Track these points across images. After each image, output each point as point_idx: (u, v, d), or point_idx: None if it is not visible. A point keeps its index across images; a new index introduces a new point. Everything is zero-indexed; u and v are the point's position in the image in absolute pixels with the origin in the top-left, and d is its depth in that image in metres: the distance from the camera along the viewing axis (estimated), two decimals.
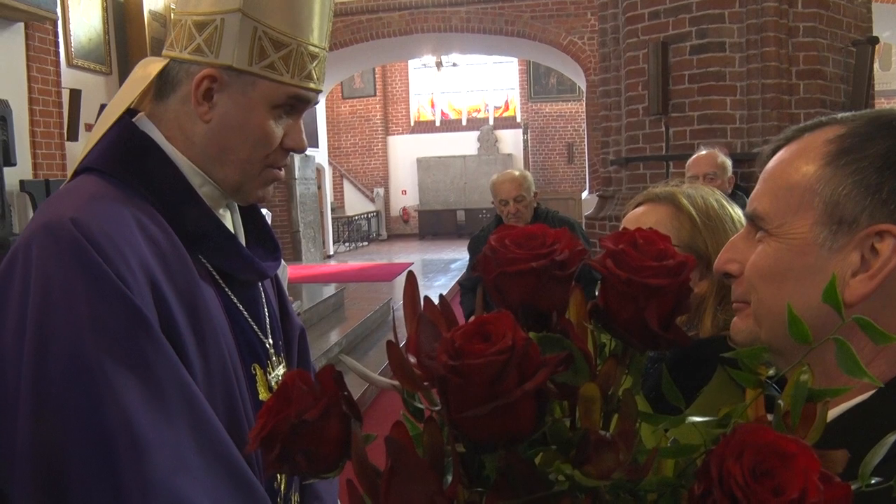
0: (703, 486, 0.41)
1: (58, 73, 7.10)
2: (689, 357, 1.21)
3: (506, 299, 0.57)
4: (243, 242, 1.31)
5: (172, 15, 1.20)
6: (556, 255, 0.55)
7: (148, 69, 1.20)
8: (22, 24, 6.60)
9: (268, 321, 1.31)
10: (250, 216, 1.35)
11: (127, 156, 1.16)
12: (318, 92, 1.24)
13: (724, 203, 1.50)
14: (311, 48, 1.19)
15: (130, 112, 1.21)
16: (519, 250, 0.56)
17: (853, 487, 0.46)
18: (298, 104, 1.21)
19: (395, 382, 0.59)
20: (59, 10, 6.92)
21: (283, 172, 1.27)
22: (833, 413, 0.75)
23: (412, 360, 0.55)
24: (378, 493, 0.50)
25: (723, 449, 0.41)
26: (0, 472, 0.98)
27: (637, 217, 1.49)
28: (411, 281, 0.63)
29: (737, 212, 1.50)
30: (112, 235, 1.04)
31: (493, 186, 4.42)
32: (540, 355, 0.48)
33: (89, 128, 7.52)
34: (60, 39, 7.20)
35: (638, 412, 0.48)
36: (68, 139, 7.24)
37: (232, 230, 1.28)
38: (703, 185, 4.12)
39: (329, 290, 9.28)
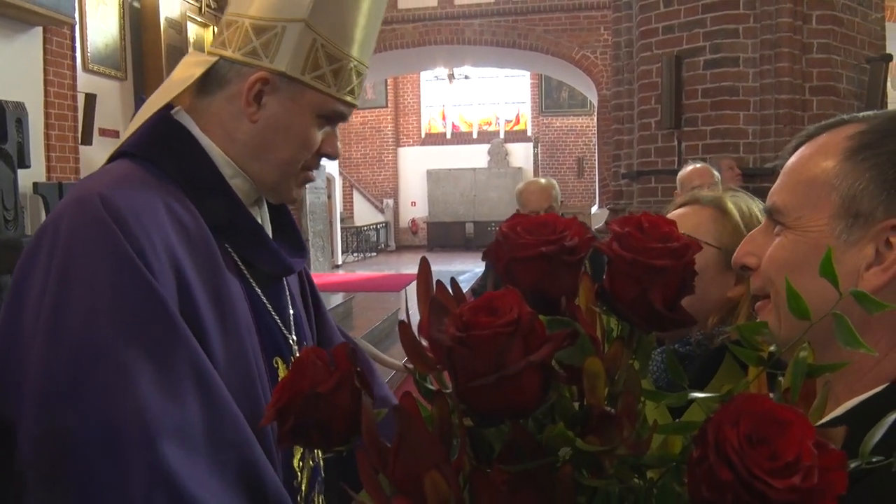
0: (699, 452, 0.43)
1: (74, 78, 7.15)
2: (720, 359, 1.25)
3: (517, 285, 0.58)
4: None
5: (226, 14, 1.24)
6: (565, 241, 0.56)
7: (194, 66, 1.23)
8: (40, 28, 6.65)
9: (292, 318, 1.31)
10: (277, 214, 1.36)
11: (161, 142, 1.18)
12: (355, 107, 1.28)
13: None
14: (359, 65, 1.23)
15: (168, 107, 1.23)
16: (529, 236, 0.57)
17: (853, 465, 0.47)
18: (339, 118, 1.26)
19: (404, 365, 0.60)
20: (76, 15, 6.99)
21: (313, 174, 1.30)
22: (846, 406, 0.77)
23: (424, 343, 0.56)
24: (387, 464, 0.51)
25: (720, 416, 0.42)
26: (7, 448, 0.98)
27: (678, 217, 1.47)
28: (425, 266, 0.64)
29: None
30: (138, 214, 1.05)
31: (520, 196, 4.22)
32: (546, 332, 0.49)
33: (103, 132, 7.58)
34: (77, 44, 7.26)
35: (641, 388, 0.49)
36: (82, 143, 7.29)
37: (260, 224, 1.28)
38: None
39: (337, 298, 9.28)
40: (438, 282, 0.61)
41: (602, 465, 0.50)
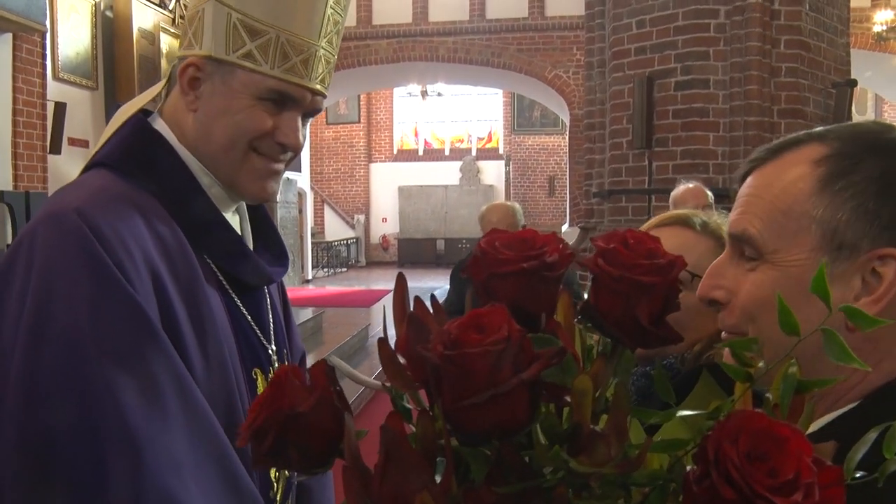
0: (700, 469, 0.42)
1: (43, 86, 7.06)
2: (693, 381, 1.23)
3: (495, 301, 0.57)
4: (250, 247, 1.30)
5: None
6: (546, 257, 0.56)
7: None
8: (10, 35, 6.57)
9: (272, 328, 1.30)
10: (258, 220, 1.34)
11: (136, 151, 1.16)
12: (312, 91, 1.18)
13: None
14: (295, 39, 1.14)
15: (146, 113, 1.22)
16: (509, 252, 0.56)
17: None
18: (285, 100, 1.16)
19: (382, 383, 0.59)
20: (47, 22, 6.91)
21: (278, 166, 1.21)
22: (819, 423, 0.76)
23: (402, 360, 0.55)
24: (370, 486, 0.50)
25: (719, 433, 0.42)
26: None
27: (671, 241, 1.33)
28: (401, 282, 0.63)
29: None
30: (117, 227, 1.03)
31: (483, 219, 4.32)
32: (533, 349, 0.49)
33: (73, 142, 7.47)
34: (48, 52, 7.18)
35: (630, 406, 0.49)
36: (51, 152, 7.18)
37: (239, 233, 1.27)
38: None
39: (306, 313, 9.23)
40: (417, 298, 0.60)
41: (588, 483, 0.49)
